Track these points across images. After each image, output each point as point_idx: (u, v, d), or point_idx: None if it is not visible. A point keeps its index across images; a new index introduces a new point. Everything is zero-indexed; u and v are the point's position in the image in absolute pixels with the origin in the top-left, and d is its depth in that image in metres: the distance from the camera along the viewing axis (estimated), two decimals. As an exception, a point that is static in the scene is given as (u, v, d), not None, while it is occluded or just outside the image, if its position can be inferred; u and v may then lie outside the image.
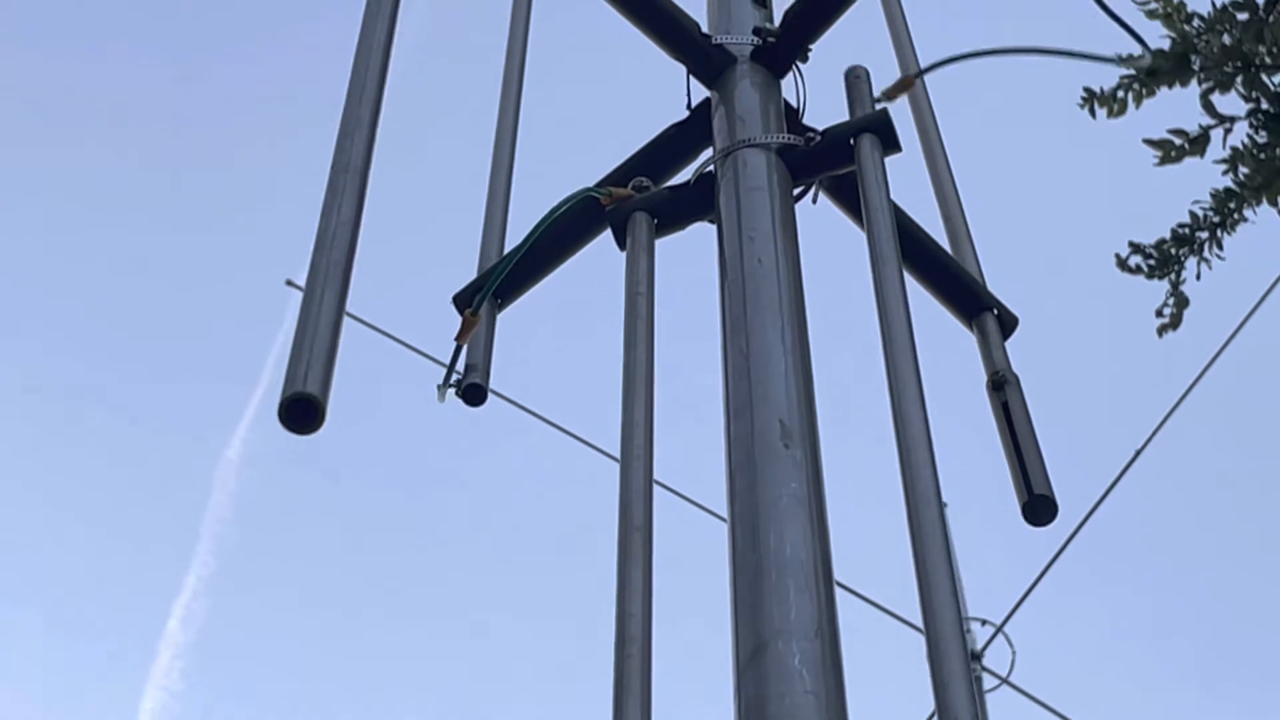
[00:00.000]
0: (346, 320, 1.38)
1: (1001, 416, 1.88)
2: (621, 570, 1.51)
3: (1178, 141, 4.71)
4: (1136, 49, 4.51)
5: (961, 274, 2.01)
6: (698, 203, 1.86)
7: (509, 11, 2.22)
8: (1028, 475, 1.80)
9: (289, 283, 6.15)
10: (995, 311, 1.99)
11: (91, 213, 8.33)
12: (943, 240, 2.09)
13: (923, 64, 2.31)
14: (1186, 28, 4.69)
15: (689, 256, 1.92)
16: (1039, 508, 1.79)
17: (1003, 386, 1.89)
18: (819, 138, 1.87)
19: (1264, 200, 4.71)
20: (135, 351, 8.39)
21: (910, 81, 1.94)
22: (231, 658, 8.11)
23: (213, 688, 8.07)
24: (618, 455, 1.63)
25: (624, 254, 1.83)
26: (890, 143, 1.86)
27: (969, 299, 2.00)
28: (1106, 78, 4.38)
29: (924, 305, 2.06)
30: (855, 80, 1.96)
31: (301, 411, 1.29)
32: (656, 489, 1.62)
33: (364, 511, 8.00)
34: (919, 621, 1.45)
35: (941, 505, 1.52)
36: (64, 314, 8.38)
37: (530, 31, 2.20)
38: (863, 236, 1.79)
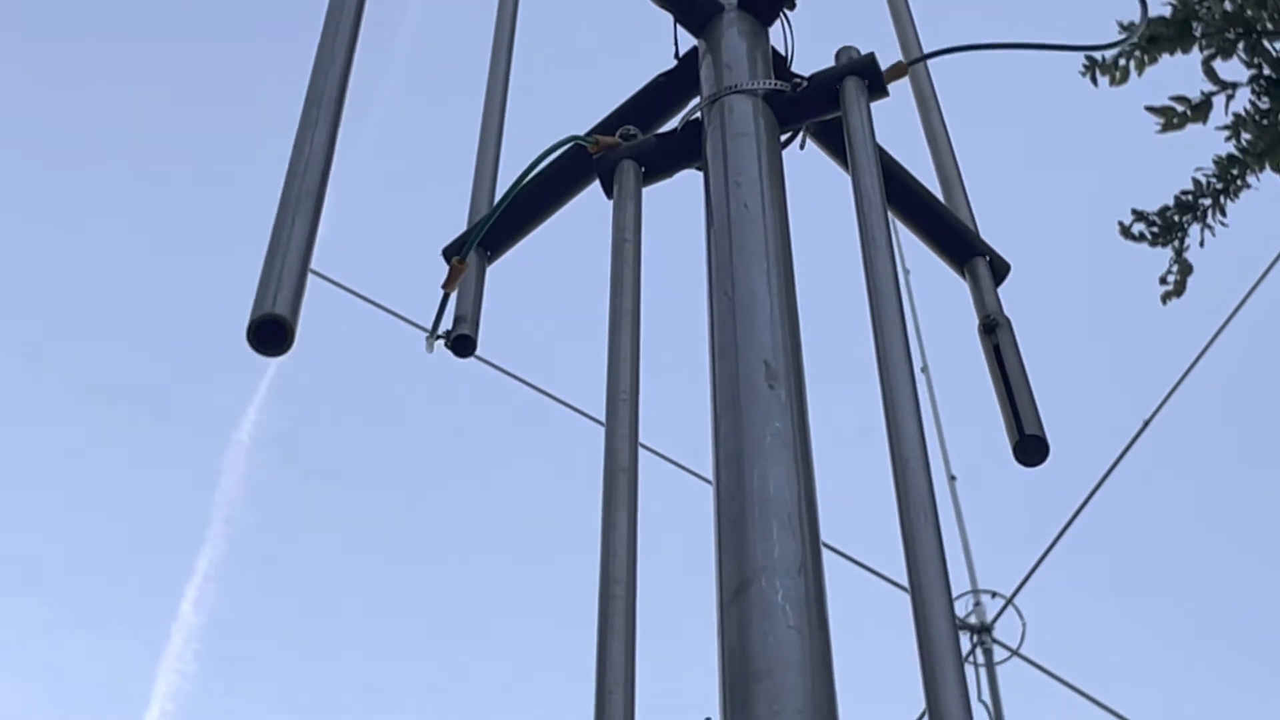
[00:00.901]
0: (337, 292, 1.38)
1: (993, 358, 1.87)
2: (606, 513, 1.50)
3: (1180, 108, 4.71)
4: (1137, 17, 4.50)
5: (953, 220, 2.00)
6: (685, 150, 1.85)
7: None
8: (1019, 415, 1.79)
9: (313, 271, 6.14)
10: (987, 257, 1.98)
11: (98, 185, 8.34)
12: (935, 189, 2.08)
13: (916, 19, 2.31)
14: (1188, -7, 4.68)
15: (681, 205, 1.92)
16: (1030, 448, 1.78)
17: (994, 329, 1.88)
18: (805, 83, 1.86)
19: (1267, 166, 4.71)
20: (144, 331, 8.39)
21: (903, 70, 1.93)
22: (244, 639, 8.12)
23: (226, 669, 8.09)
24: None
25: (611, 202, 1.82)
26: (876, 87, 1.85)
27: (961, 245, 1.99)
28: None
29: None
30: (847, 60, 1.94)
31: (270, 333, 1.30)
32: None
33: (372, 491, 8.01)
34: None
35: (926, 457, 1.50)
36: (68, 291, 8.38)
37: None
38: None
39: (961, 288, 1.99)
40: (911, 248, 2.29)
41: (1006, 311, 1.93)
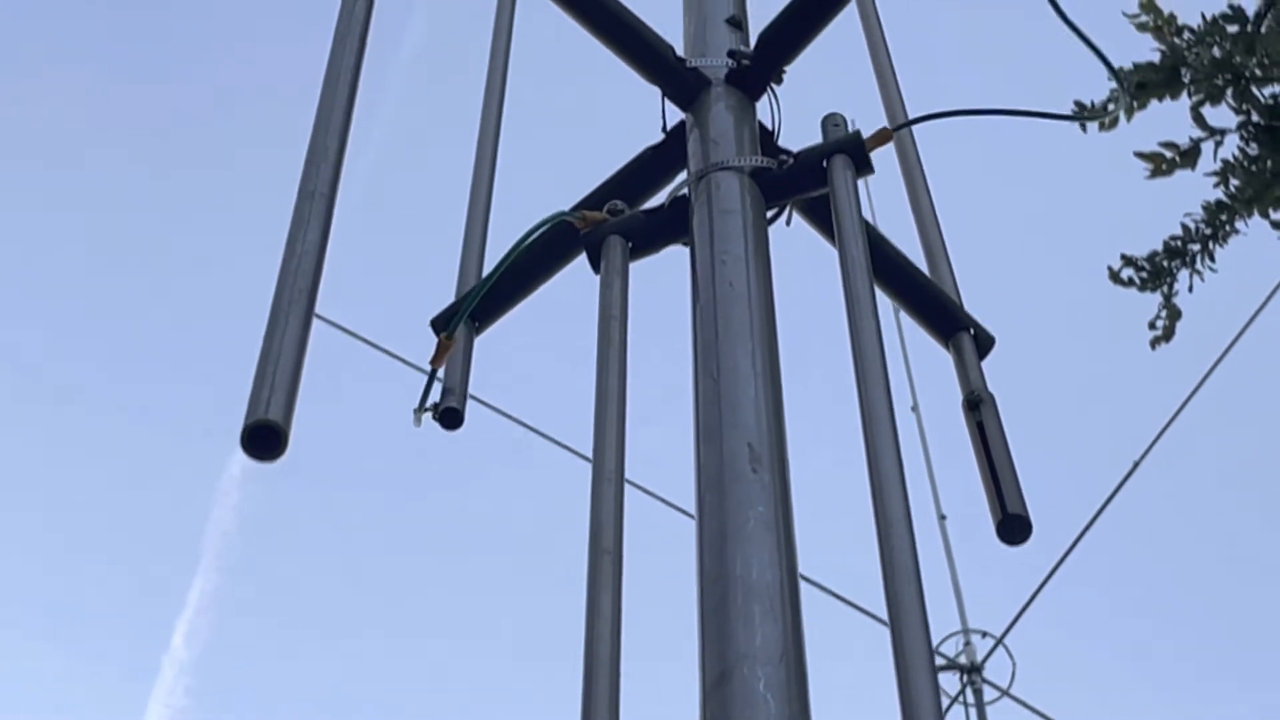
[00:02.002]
0: (337, 334, 1.39)
1: (977, 436, 1.88)
2: (591, 594, 1.51)
3: (1169, 154, 4.73)
4: (1128, 69, 4.51)
5: (938, 294, 2.02)
6: (672, 226, 1.86)
7: (490, 38, 2.23)
8: (1002, 495, 1.81)
9: (318, 316, 6.17)
10: (972, 331, 1.99)
11: (86, 212, 8.34)
12: (920, 261, 2.10)
13: (902, 86, 2.33)
14: (1177, 41, 4.71)
15: (669, 278, 1.93)
16: (1013, 527, 1.80)
17: (978, 406, 1.90)
18: (792, 160, 1.88)
19: (1255, 212, 4.73)
20: (134, 361, 8.40)
21: (888, 135, 1.95)
22: (236, 674, 8.12)
23: (217, 704, 8.08)
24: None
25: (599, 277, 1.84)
26: (863, 164, 1.87)
27: (945, 319, 2.01)
28: (1097, 89, 4.39)
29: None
30: (833, 129, 1.96)
31: (264, 439, 1.30)
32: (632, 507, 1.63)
33: (365, 523, 8.01)
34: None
35: (910, 522, 1.52)
36: (61, 321, 8.38)
37: (511, 56, 2.21)
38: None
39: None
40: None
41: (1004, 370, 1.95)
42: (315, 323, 1.45)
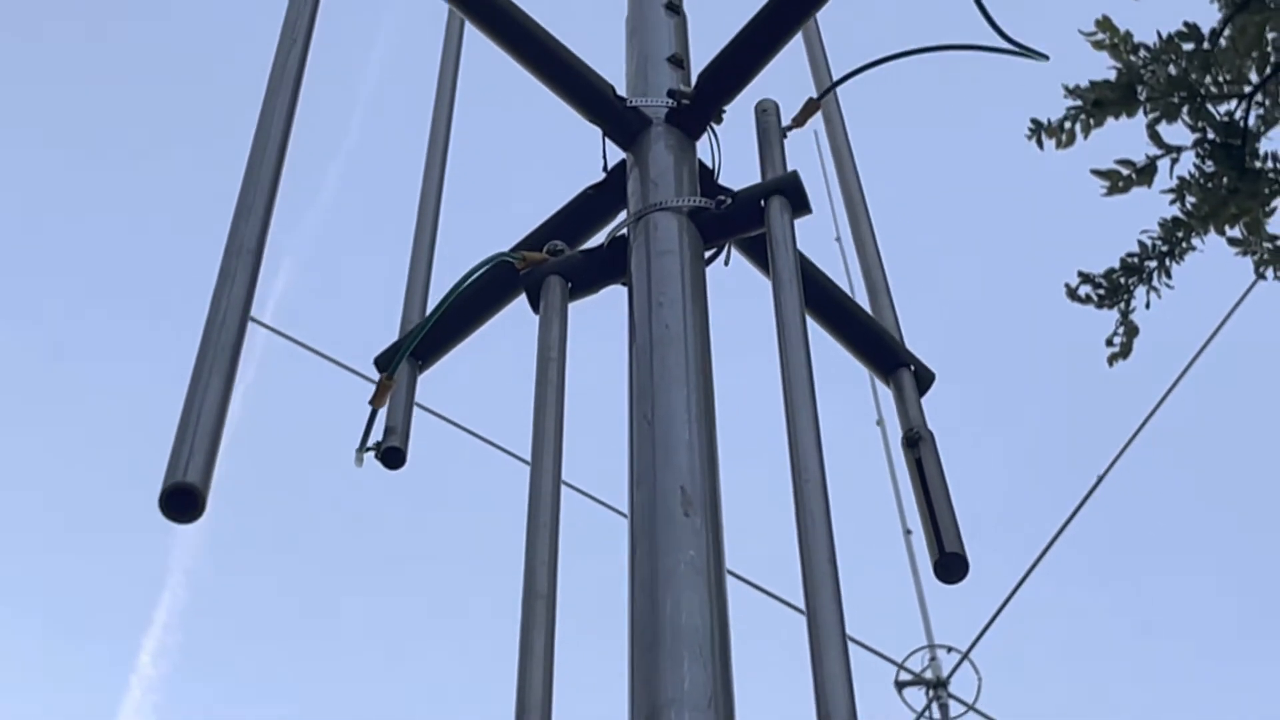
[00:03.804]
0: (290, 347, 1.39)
1: (915, 474, 1.89)
2: (524, 637, 1.52)
3: (1125, 171, 4.76)
4: (1081, 81, 4.54)
5: (878, 331, 2.03)
6: (611, 266, 1.88)
7: (435, 80, 2.25)
8: (940, 533, 1.82)
9: (253, 319, 6.18)
10: (912, 367, 2.01)
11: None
12: (862, 298, 2.12)
13: (849, 130, 2.35)
14: (1133, 58, 4.74)
15: (612, 318, 1.95)
16: (950, 565, 1.81)
17: (917, 444, 1.91)
18: (730, 200, 1.89)
19: (1211, 229, 4.76)
20: (101, 364, 8.38)
21: (815, 106, 1.97)
22: (204, 692, 8.10)
23: (185, 720, 8.06)
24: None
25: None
26: (800, 204, 1.88)
27: (885, 355, 2.02)
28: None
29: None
30: (762, 114, 1.98)
31: (182, 501, 1.30)
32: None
33: (336, 541, 8.01)
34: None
35: (834, 554, 1.53)
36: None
37: (456, 99, 2.23)
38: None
39: (936, 334, 2.03)
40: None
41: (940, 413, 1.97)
42: (264, 333, 1.45)
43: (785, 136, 2.06)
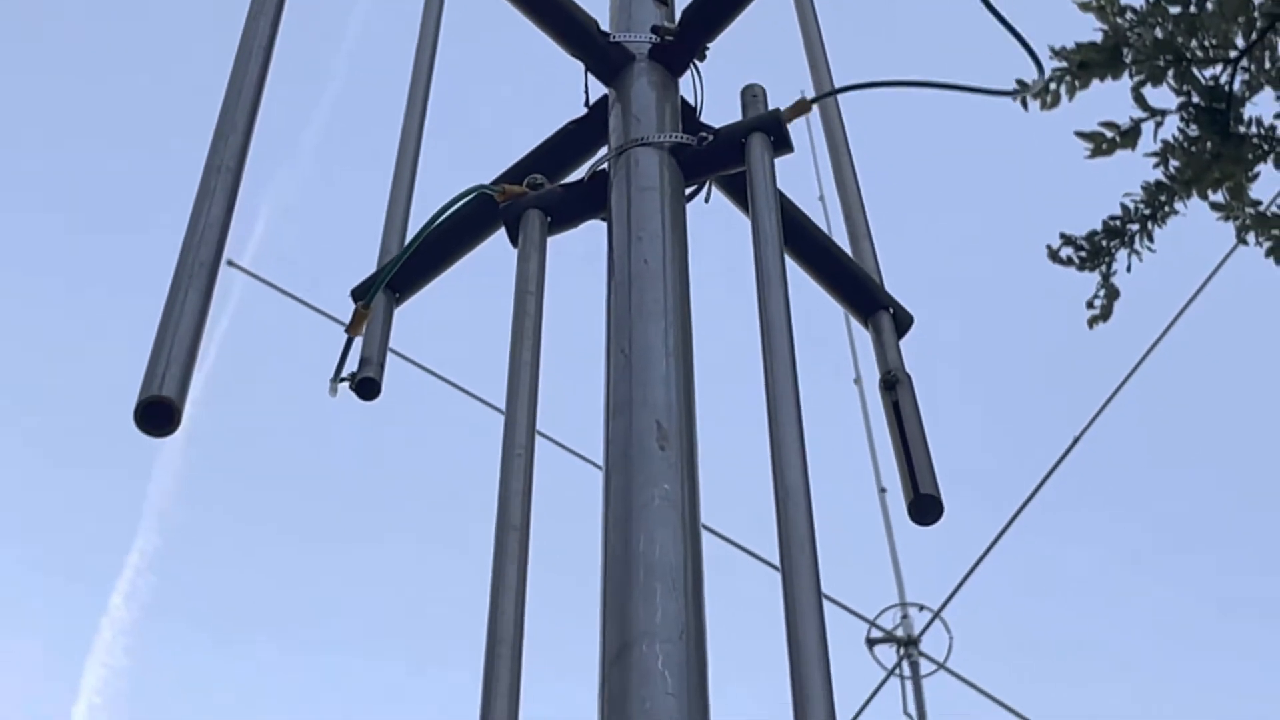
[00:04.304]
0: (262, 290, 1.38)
1: (892, 416, 1.89)
2: (496, 568, 1.52)
3: (1109, 134, 4.75)
4: (1058, 57, 4.52)
5: (857, 272, 2.02)
6: (591, 201, 1.86)
7: (419, 14, 2.22)
8: (915, 474, 1.82)
9: (230, 263, 6.18)
10: (890, 310, 2.00)
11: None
12: (844, 240, 2.10)
13: (831, 63, 2.33)
14: (1119, 21, 4.72)
15: (590, 253, 1.93)
16: (924, 507, 1.80)
17: (894, 386, 1.90)
18: (712, 137, 1.88)
19: (1194, 193, 4.75)
20: (78, 321, 8.35)
21: (806, 106, 1.95)
22: (176, 635, 8.10)
23: (157, 665, 8.06)
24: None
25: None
26: (782, 143, 1.87)
27: (865, 297, 2.01)
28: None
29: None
30: (751, 99, 1.96)
31: (157, 414, 1.29)
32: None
33: (311, 486, 8.00)
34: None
35: (809, 496, 1.52)
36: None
37: (441, 30, 2.21)
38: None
39: (912, 290, 2.02)
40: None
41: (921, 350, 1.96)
42: (241, 278, 1.44)
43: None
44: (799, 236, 1.95)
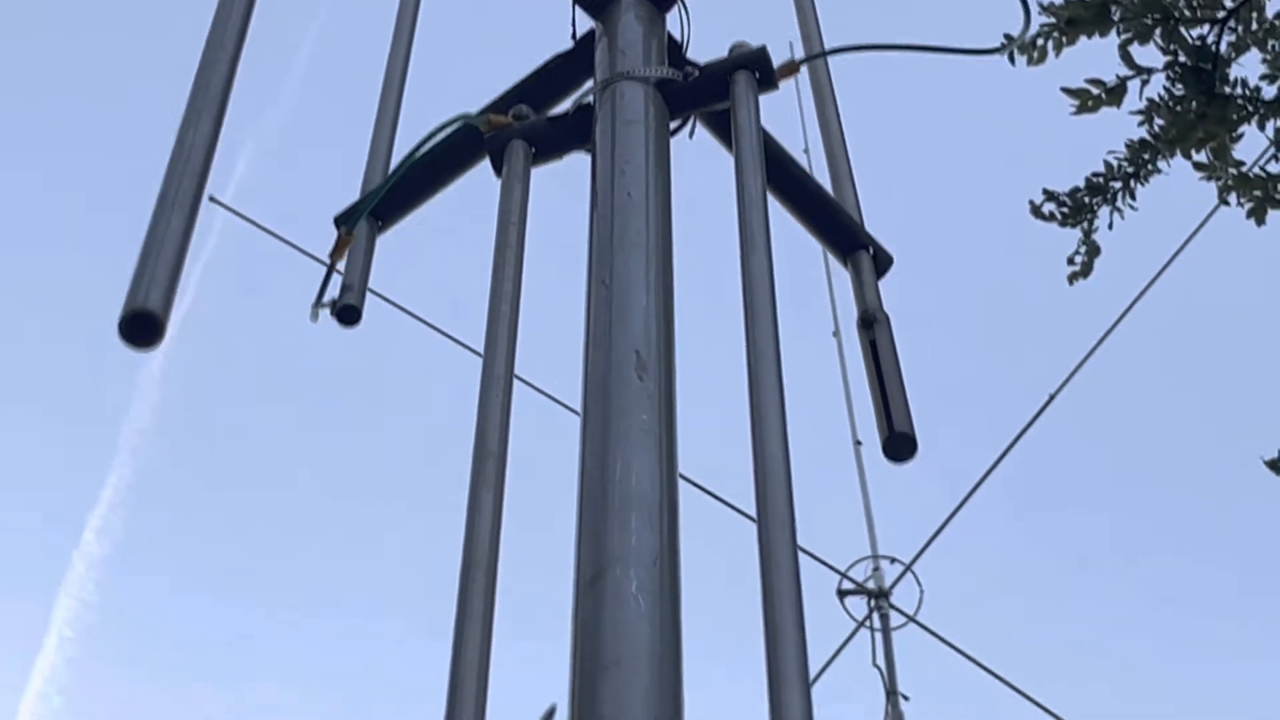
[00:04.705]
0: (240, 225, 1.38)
1: (869, 353, 1.90)
2: (473, 493, 1.53)
3: (1095, 91, 4.75)
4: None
5: (838, 211, 2.03)
6: (575, 133, 1.87)
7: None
8: (890, 412, 1.83)
9: (212, 199, 6.16)
10: (870, 250, 2.01)
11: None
12: (825, 182, 2.11)
13: (820, 19, 2.34)
14: (1108, -23, 4.72)
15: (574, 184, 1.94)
16: (899, 444, 1.81)
17: (872, 325, 1.91)
18: (697, 73, 1.89)
19: (1178, 152, 4.76)
20: (56, 257, 8.32)
21: (795, 67, 1.96)
22: (148, 570, 8.10)
23: (128, 599, 8.06)
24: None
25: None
26: (767, 80, 1.88)
27: (845, 236, 2.02)
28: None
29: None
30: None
31: (142, 327, 1.30)
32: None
33: (287, 426, 8.00)
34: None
35: (786, 431, 1.53)
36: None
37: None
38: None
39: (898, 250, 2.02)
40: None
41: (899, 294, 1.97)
42: (222, 214, 1.45)
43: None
44: (781, 173, 1.96)
